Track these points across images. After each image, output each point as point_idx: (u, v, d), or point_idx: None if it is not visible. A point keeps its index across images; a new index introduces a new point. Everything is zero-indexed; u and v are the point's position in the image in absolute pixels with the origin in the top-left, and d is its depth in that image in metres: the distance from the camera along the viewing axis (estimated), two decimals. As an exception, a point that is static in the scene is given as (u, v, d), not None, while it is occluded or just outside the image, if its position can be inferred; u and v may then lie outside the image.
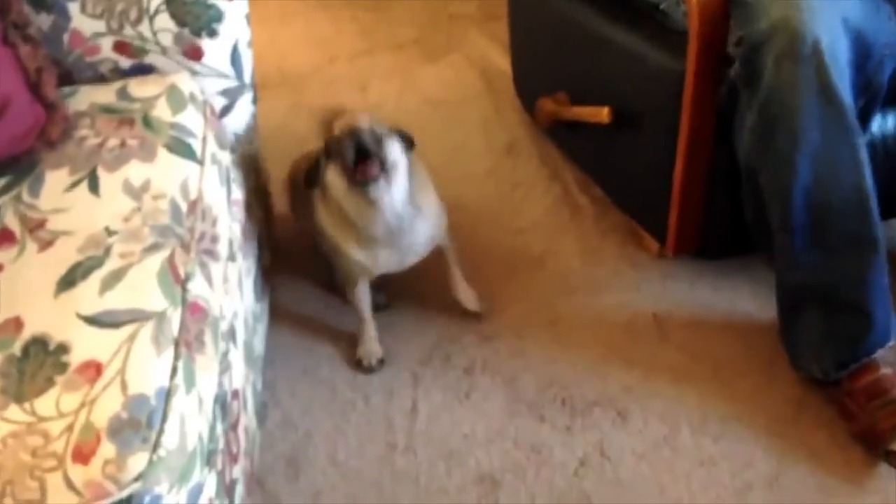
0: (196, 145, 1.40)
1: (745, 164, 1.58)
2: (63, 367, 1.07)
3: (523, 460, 1.61)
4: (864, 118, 1.56)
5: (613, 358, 1.78)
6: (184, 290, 1.21)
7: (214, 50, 1.55)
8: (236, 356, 1.44)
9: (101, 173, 1.32)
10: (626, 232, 2.03)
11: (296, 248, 2.04)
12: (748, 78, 1.49)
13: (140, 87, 1.47)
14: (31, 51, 1.39)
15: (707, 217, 1.76)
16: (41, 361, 1.08)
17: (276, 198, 2.03)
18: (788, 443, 1.60)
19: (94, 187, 1.30)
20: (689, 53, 1.56)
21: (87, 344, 1.10)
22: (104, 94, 1.47)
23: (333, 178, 1.58)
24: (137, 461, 1.01)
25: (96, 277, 1.17)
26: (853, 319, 1.57)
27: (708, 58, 1.56)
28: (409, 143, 1.63)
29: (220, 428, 1.27)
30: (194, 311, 1.22)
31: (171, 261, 1.22)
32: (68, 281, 1.17)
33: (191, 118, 1.43)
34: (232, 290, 1.46)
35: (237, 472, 1.36)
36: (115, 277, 1.18)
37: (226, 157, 1.51)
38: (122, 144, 1.36)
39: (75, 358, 1.08)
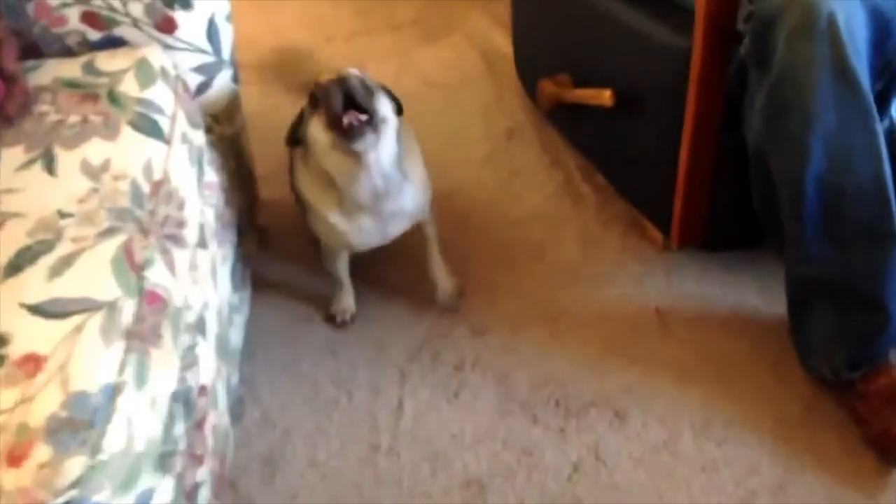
0: (164, 123, 1.32)
1: (754, 148, 1.52)
2: (0, 360, 0.99)
3: (513, 463, 1.54)
4: (883, 103, 1.48)
5: (613, 355, 1.71)
6: (140, 277, 1.13)
7: (189, 23, 1.47)
8: (205, 349, 1.36)
9: (59, 151, 1.24)
10: (630, 222, 1.97)
11: (286, 235, 1.98)
12: (758, 56, 1.42)
13: (108, 61, 1.39)
14: (-11, 21, 1.32)
15: (713, 206, 1.70)
16: (-24, 354, 1.00)
17: (265, 181, 1.96)
18: (796, 448, 1.52)
19: (49, 166, 1.22)
20: (695, 30, 1.49)
21: (28, 335, 1.02)
22: (69, 68, 1.39)
23: (317, 131, 1.47)
24: (75, 465, 0.94)
25: (44, 263, 1.09)
26: (867, 316, 1.51)
27: (715, 34, 1.49)
28: (398, 106, 1.55)
29: (180, 427, 1.20)
30: (152, 301, 1.14)
31: (127, 246, 1.14)
32: (14, 266, 1.09)
33: (160, 94, 1.35)
34: (202, 278, 1.38)
35: (202, 474, 1.28)
36: (65, 263, 1.09)
37: (198, 137, 1.43)
38: (84, 121, 1.28)
39: (15, 350, 1.00)
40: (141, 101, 1.32)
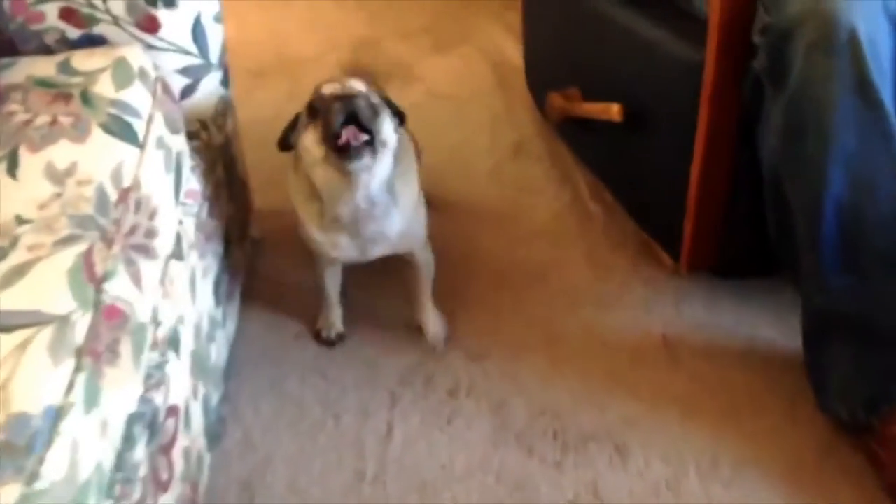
0: (138, 126, 1.25)
1: (769, 170, 1.45)
2: (-64, 378, 0.91)
3: (505, 498, 1.45)
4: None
5: (616, 385, 1.63)
6: (99, 290, 1.05)
7: (173, 22, 1.41)
8: (178, 367, 1.29)
9: (23, 153, 1.16)
10: (639, 244, 1.90)
11: (281, 248, 1.91)
12: (774, 71, 1.37)
13: (84, 60, 1.32)
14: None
15: (726, 230, 1.64)
16: (-88, 370, 0.92)
17: (261, 191, 1.91)
18: (809, 494, 1.43)
19: (12, 169, 1.14)
20: (708, 42, 1.43)
21: (-31, 350, 0.94)
22: (44, 67, 1.32)
23: (310, 141, 1.39)
24: (9, 494, 0.86)
25: (-6, 273, 1.01)
26: (888, 354, 1.43)
27: (730, 47, 1.43)
28: (400, 118, 1.47)
29: (140, 452, 1.12)
30: (110, 316, 1.06)
31: (87, 256, 1.06)
32: (-38, 275, 1.01)
33: (136, 96, 1.28)
34: (177, 292, 1.31)
35: (167, 500, 1.20)
36: (18, 273, 1.01)
37: (178, 143, 1.36)
38: (53, 122, 1.21)
39: (-47, 367, 0.92)
40: (115, 103, 1.24)
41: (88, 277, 1.04)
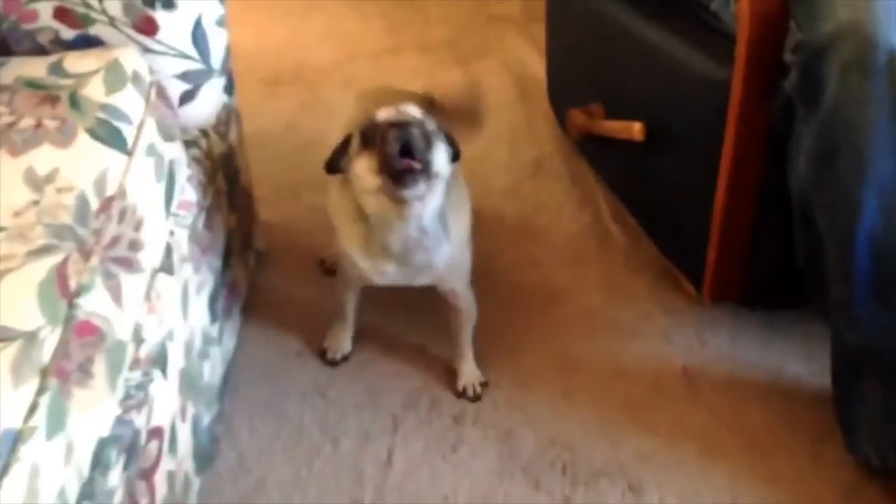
0: (127, 132, 1.20)
1: (798, 196, 1.42)
2: None
3: (509, 534, 1.40)
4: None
5: (631, 419, 1.58)
6: (71, 305, 1.00)
7: (172, 24, 1.36)
8: (163, 387, 1.24)
9: (3, 157, 1.11)
10: (660, 269, 1.84)
11: (286, 261, 1.87)
12: (807, 92, 1.33)
13: (76, 62, 1.27)
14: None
15: (752, 259, 1.60)
16: None
17: (267, 203, 1.87)
18: None
19: (-10, 174, 1.09)
20: (736, 59, 1.39)
21: (-73, 368, 0.89)
22: (35, 67, 1.27)
23: (364, 169, 1.33)
24: (-42, 523, 0.80)
25: (-40, 285, 0.96)
26: None
27: (759, 65, 1.39)
28: (455, 152, 1.41)
29: (115, 477, 1.06)
30: (83, 333, 1.01)
31: (61, 269, 1.00)
32: (-73, 287, 0.96)
33: (127, 100, 1.23)
34: (165, 307, 1.25)
35: (147, 527, 1.14)
36: (-15, 285, 0.96)
37: (172, 151, 1.30)
38: (38, 125, 1.15)
39: None
40: (104, 107, 1.19)
41: (61, 291, 0.99)
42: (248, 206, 1.71)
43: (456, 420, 1.57)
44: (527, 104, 2.32)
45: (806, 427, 1.53)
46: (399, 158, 1.28)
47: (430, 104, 1.58)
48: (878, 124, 1.26)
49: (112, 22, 1.33)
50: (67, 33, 1.34)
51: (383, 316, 1.73)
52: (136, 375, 1.15)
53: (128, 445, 1.11)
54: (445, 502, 1.44)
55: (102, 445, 1.03)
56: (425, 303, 1.69)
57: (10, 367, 0.89)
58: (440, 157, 1.33)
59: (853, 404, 1.46)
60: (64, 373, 0.95)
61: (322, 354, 1.68)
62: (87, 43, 1.34)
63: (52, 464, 0.91)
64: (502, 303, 1.78)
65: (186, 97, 1.43)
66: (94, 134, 1.16)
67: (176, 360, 1.28)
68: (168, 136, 1.30)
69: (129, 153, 1.18)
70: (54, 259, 1.00)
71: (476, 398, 1.62)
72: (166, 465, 1.23)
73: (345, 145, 1.39)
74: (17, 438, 0.87)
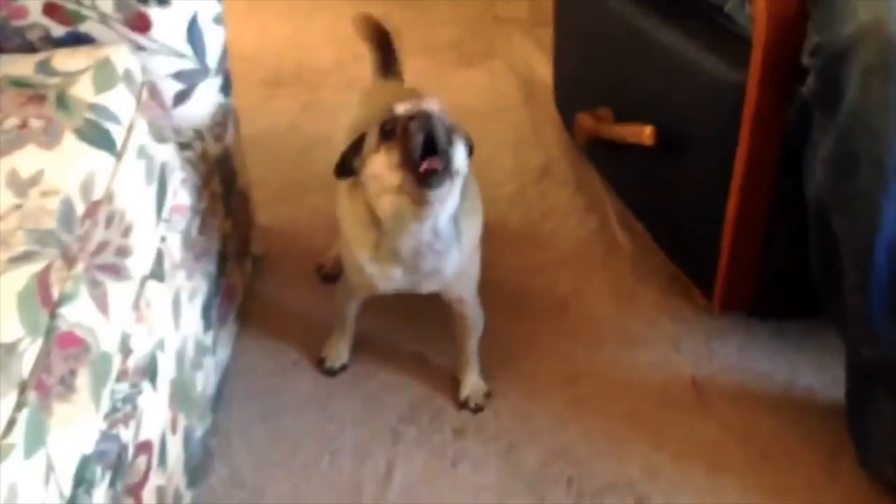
0: (117, 133, 1.16)
1: (815, 205, 1.40)
2: None
3: (512, 552, 1.37)
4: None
5: (638, 431, 1.55)
6: (53, 315, 0.96)
7: (166, 22, 1.32)
8: (153, 399, 1.20)
9: (-14, 159, 1.07)
10: (669, 277, 1.81)
11: (284, 266, 1.83)
12: (826, 96, 1.31)
13: (65, 60, 1.23)
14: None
15: (764, 267, 1.57)
16: None
17: (265, 206, 1.83)
18: None
19: (-29, 177, 1.05)
20: (752, 62, 1.36)
21: None
22: (23, 65, 1.23)
23: (382, 167, 1.26)
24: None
25: (-64, 294, 0.92)
26: None
27: (775, 69, 1.37)
28: (469, 147, 1.35)
29: (100, 494, 1.03)
30: (65, 345, 0.97)
31: (43, 276, 0.96)
32: None
33: (117, 100, 1.19)
34: (155, 316, 1.21)
35: (135, 544, 1.10)
36: (-39, 294, 0.92)
37: (164, 153, 1.26)
38: (23, 125, 1.11)
39: None
40: (93, 107, 1.15)
41: (42, 300, 0.95)
42: (245, 210, 1.67)
43: (457, 433, 1.53)
44: (533, 108, 2.29)
45: (818, 440, 1.51)
46: (421, 155, 1.22)
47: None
48: (901, 131, 1.17)
49: (103, 19, 1.29)
50: (57, 30, 1.30)
51: (383, 325, 1.70)
52: (124, 387, 1.11)
53: (114, 461, 1.07)
54: (446, 518, 1.41)
55: (86, 462, 0.99)
56: (426, 312, 1.67)
57: (-13, 381, 0.86)
58: (460, 153, 1.28)
59: (867, 418, 1.44)
60: (44, 387, 0.92)
61: (320, 363, 1.64)
62: (78, 40, 1.30)
63: (31, 483, 0.88)
64: (506, 310, 1.74)
65: (180, 97, 1.39)
66: (81, 135, 1.12)
67: (166, 371, 1.25)
68: (160, 138, 1.26)
69: (118, 155, 1.15)
70: (36, 266, 0.96)
71: (478, 410, 1.58)
72: (156, 480, 1.20)
73: (357, 145, 1.33)
74: (-8, 456, 0.83)
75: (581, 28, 1.99)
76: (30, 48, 1.31)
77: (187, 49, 1.36)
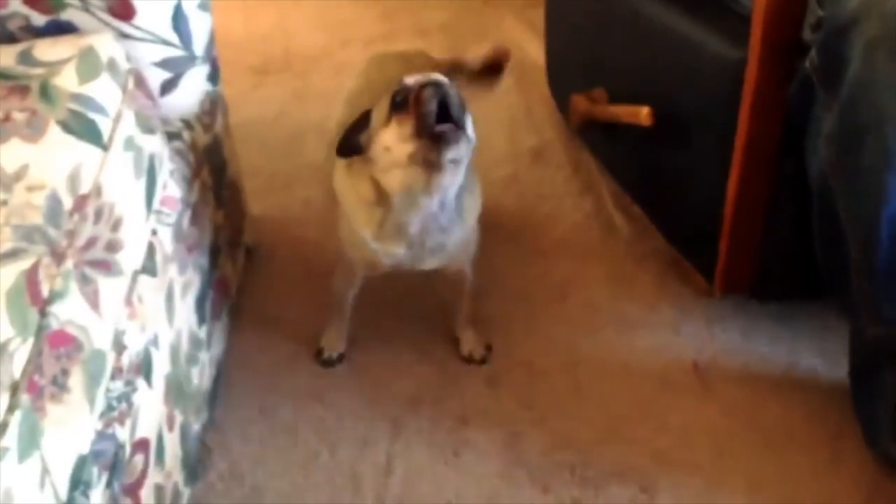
0: (103, 125, 1.13)
1: (818, 184, 1.38)
2: None
3: (516, 542, 1.36)
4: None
5: (641, 417, 1.53)
6: (43, 314, 0.93)
7: (150, 8, 1.29)
8: (148, 396, 1.17)
9: (-31, 154, 1.04)
10: (668, 260, 1.79)
11: (278, 257, 1.82)
12: (828, 72, 1.29)
13: (48, 49, 1.20)
14: None
15: (766, 249, 1.56)
16: None
17: (258, 196, 1.81)
18: None
19: (-45, 172, 1.02)
20: (751, 37, 1.34)
21: None
22: (3, 56, 1.19)
23: (395, 138, 1.25)
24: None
25: (-80, 295, 0.89)
26: None
27: (776, 44, 1.35)
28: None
29: (97, 495, 1.01)
30: (57, 344, 0.94)
31: (31, 274, 0.94)
32: None
33: (103, 90, 1.16)
34: (148, 311, 1.18)
35: (134, 544, 1.08)
36: (-53, 294, 0.89)
37: (152, 144, 1.23)
38: (6, 118, 1.09)
39: None
40: (77, 98, 1.12)
41: (31, 299, 0.92)
42: (236, 201, 1.65)
43: (460, 421, 1.52)
44: (525, 90, 2.27)
45: (823, 422, 1.50)
46: (436, 120, 1.21)
47: (452, 66, 1.61)
48: (906, 107, 1.16)
49: (86, 6, 1.26)
50: (38, 19, 1.27)
51: (380, 315, 1.69)
52: (118, 385, 1.08)
53: (110, 461, 1.05)
54: (449, 509, 1.40)
55: (82, 463, 0.96)
56: (423, 301, 1.66)
57: (-25, 383, 0.83)
58: (469, 120, 1.27)
59: (872, 398, 1.43)
60: (36, 388, 0.89)
61: (317, 355, 1.62)
62: (60, 29, 1.27)
63: (26, 487, 0.85)
64: (504, 297, 1.74)
65: (167, 86, 1.37)
66: (66, 127, 1.09)
67: (161, 367, 1.22)
68: (148, 129, 1.23)
69: (105, 147, 1.12)
70: (24, 264, 0.94)
71: (482, 361, 1.61)
72: (153, 478, 1.18)
73: (361, 122, 1.32)
74: (-15, 461, 0.81)
75: (573, 7, 1.98)
76: (10, 38, 1.28)
77: (173, 36, 1.33)
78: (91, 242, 1.04)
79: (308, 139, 2.02)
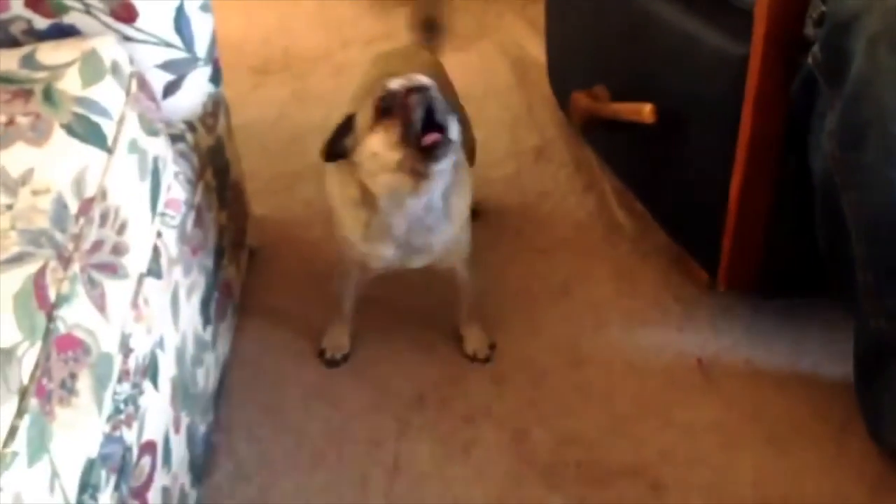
0: (107, 128, 1.13)
1: (821, 179, 1.37)
2: None
3: (525, 541, 1.36)
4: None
5: (646, 413, 1.53)
6: (51, 318, 0.93)
7: (152, 11, 1.29)
8: (155, 398, 1.17)
9: (-27, 159, 1.04)
10: (671, 257, 1.79)
11: (281, 258, 1.82)
12: (830, 68, 1.28)
13: (50, 53, 1.20)
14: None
15: (770, 245, 1.55)
16: None
17: (260, 197, 1.81)
18: None
19: (-40, 177, 1.02)
20: (754, 33, 1.33)
21: None
22: (6, 60, 1.20)
23: (381, 145, 1.25)
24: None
25: (-73, 299, 0.89)
26: None
27: (778, 40, 1.34)
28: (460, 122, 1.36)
29: (105, 498, 1.00)
30: (65, 347, 0.94)
31: (38, 278, 0.94)
32: None
33: (106, 93, 1.16)
34: (154, 314, 1.18)
35: (142, 548, 1.08)
36: (-45, 299, 0.89)
37: (156, 146, 1.24)
38: (10, 122, 1.09)
39: None
40: (81, 101, 1.13)
41: (39, 303, 0.92)
42: (239, 202, 1.65)
43: (466, 420, 1.52)
44: (527, 89, 2.27)
45: (827, 416, 1.49)
46: (422, 129, 1.22)
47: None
48: (909, 102, 1.15)
49: (88, 9, 1.26)
50: (41, 23, 1.27)
51: (383, 314, 1.68)
52: (125, 388, 1.08)
53: (118, 464, 1.04)
54: (456, 509, 1.39)
55: (90, 466, 0.96)
56: (427, 297, 1.66)
57: (-15, 388, 0.83)
58: (454, 124, 1.27)
59: (877, 391, 1.42)
60: (45, 392, 0.89)
61: (320, 355, 1.62)
62: (62, 32, 1.28)
63: (35, 491, 0.85)
64: (507, 295, 1.74)
65: (170, 88, 1.37)
66: (70, 130, 1.10)
67: (167, 369, 1.22)
68: (151, 131, 1.23)
69: (110, 150, 1.12)
70: (31, 268, 0.94)
71: (486, 360, 1.61)
72: (161, 480, 1.17)
73: (346, 126, 1.31)
74: (-5, 466, 0.81)
75: (574, 4, 1.97)
76: (13, 42, 1.28)
77: (175, 38, 1.33)
78: (97, 246, 1.04)
79: (308, 140, 2.00)
